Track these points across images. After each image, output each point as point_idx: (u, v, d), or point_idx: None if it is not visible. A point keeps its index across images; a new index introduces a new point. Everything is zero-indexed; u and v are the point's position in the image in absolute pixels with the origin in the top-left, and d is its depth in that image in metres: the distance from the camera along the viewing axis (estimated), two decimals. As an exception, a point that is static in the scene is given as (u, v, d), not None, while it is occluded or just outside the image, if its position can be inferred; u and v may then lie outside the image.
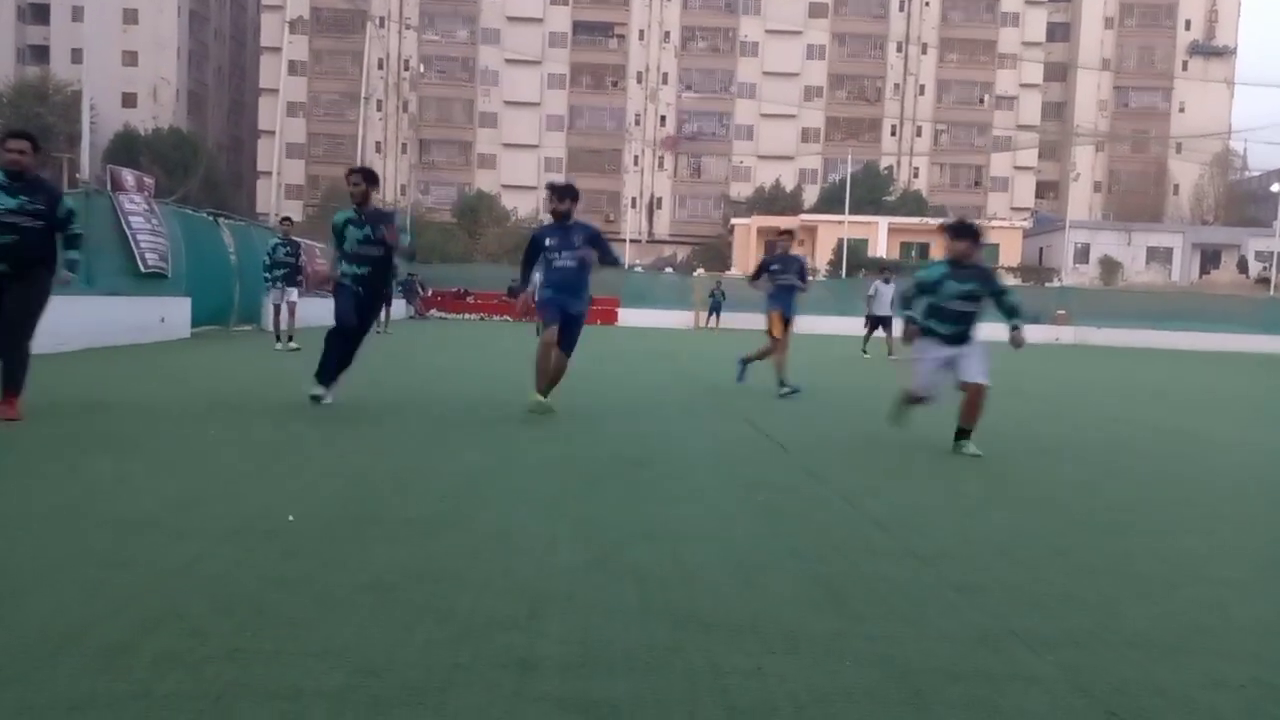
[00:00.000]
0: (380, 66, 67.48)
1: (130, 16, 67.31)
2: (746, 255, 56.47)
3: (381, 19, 67.56)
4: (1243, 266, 56.23)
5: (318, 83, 69.39)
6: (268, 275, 14.77)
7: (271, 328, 15.04)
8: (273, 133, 65.08)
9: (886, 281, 19.53)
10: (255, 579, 3.08)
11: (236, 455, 5.34)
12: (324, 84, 69.10)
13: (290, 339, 14.31)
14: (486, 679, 2.36)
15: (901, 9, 70.84)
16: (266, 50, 69.12)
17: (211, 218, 19.16)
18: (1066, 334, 36.22)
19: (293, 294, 14.68)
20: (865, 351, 19.60)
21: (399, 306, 28.66)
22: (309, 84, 69.32)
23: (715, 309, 34.95)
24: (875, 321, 19.52)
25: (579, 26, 70.84)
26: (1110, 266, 56.58)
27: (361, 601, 2.90)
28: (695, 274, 43.89)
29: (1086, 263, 57.52)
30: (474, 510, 4.17)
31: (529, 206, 64.52)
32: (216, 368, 11.18)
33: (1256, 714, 2.34)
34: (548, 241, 7.53)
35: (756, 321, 35.87)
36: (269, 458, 5.30)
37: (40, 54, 67.39)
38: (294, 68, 68.15)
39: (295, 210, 63.50)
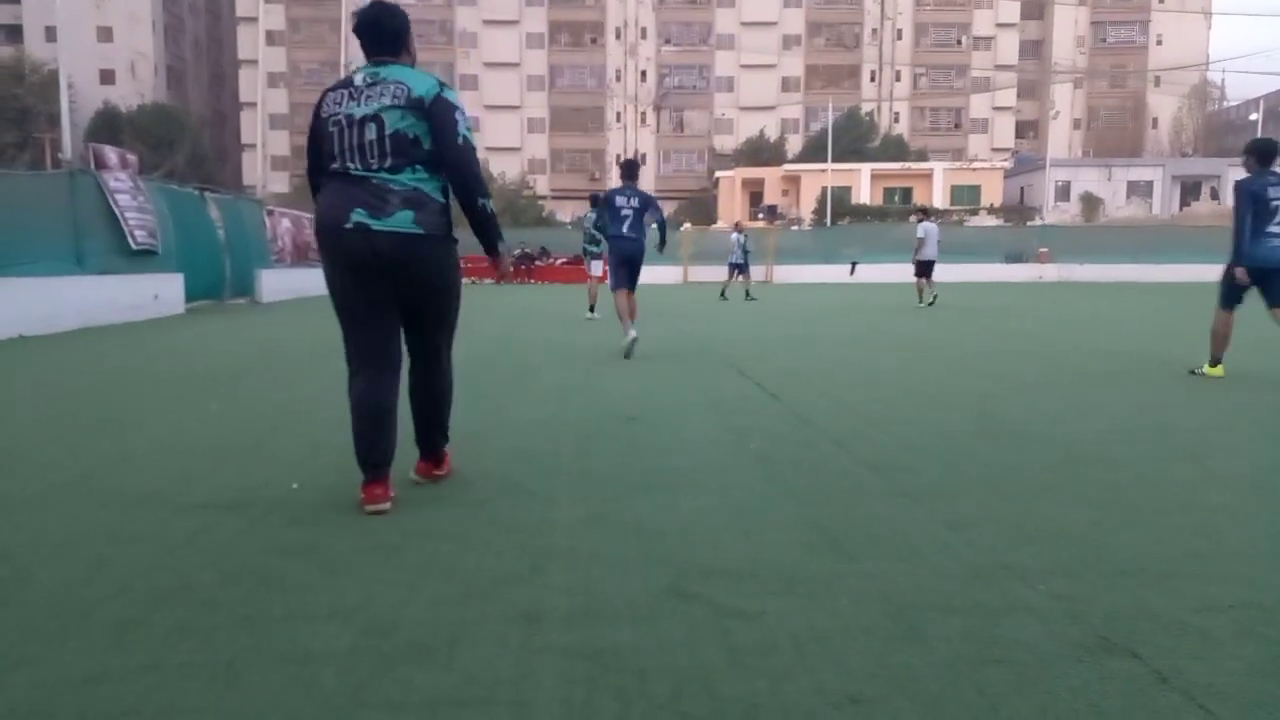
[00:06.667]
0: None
1: (102, -8, 66.22)
2: (732, 207, 56.28)
3: (354, -17, 66.57)
4: (1214, 196, 56.31)
5: (297, 52, 68.53)
6: (586, 247, 15.51)
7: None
8: (255, 104, 64.33)
9: (922, 221, 18.58)
10: (262, 548, 3.12)
11: (237, 427, 5.37)
12: (303, 53, 68.24)
13: (592, 309, 15.28)
14: (493, 633, 2.41)
15: (878, -48, 70.08)
16: (243, 20, 68.11)
17: (198, 192, 19.03)
18: (1049, 272, 36.33)
19: (596, 267, 15.29)
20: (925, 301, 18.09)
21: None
22: (288, 53, 68.47)
23: (743, 268, 23.60)
24: (923, 267, 18.15)
25: (555, -17, 69.92)
26: (1091, 203, 56.56)
27: (367, 564, 2.95)
28: (682, 229, 43.71)
29: (1068, 200, 57.49)
30: (470, 471, 4.21)
31: (515, 169, 64.09)
32: (213, 342, 11.16)
33: (1247, 635, 2.39)
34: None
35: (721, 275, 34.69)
36: (269, 428, 5.33)
37: (13, 34, 66.14)
38: (272, 37, 67.25)
39: (282, 181, 63.13)
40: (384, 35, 3.59)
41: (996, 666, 2.21)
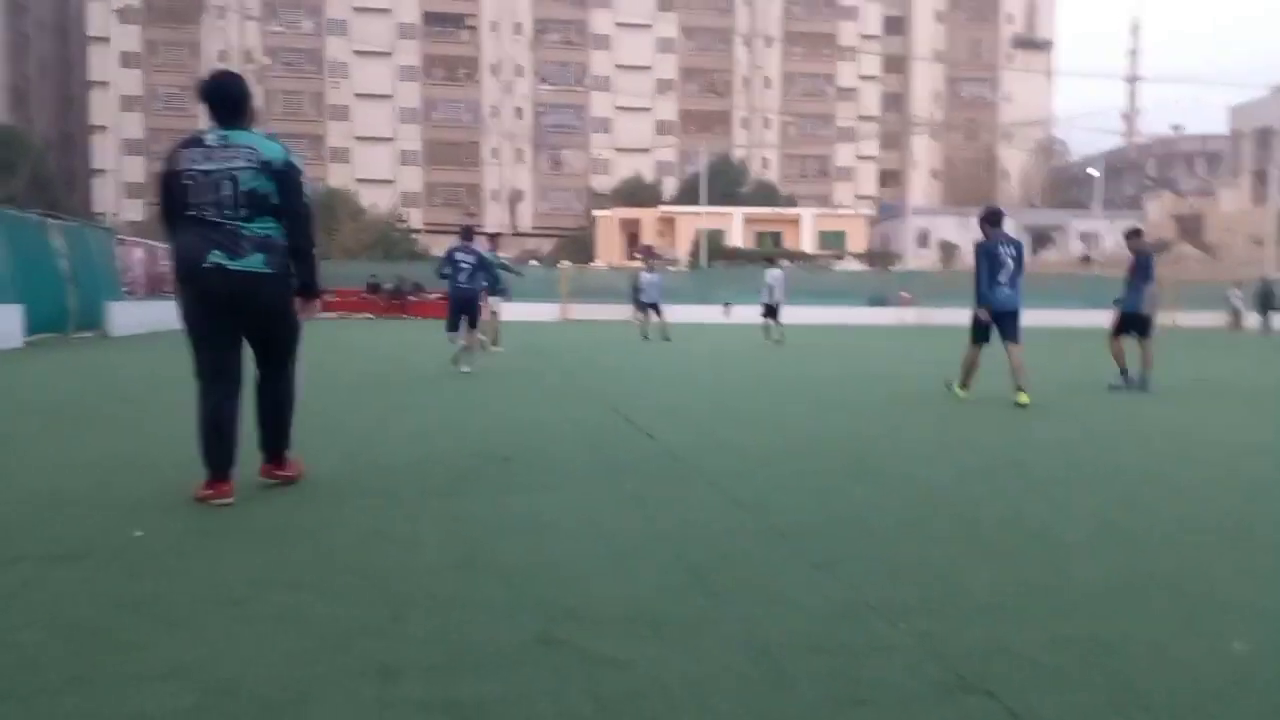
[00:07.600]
0: (221, 59, 64.64)
1: (-62, 6, 62.47)
2: (610, 246, 56.70)
3: (220, 8, 64.75)
4: (1051, 242, 60.38)
5: (155, 75, 66.04)
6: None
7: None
8: (106, 128, 61.54)
9: (769, 268, 20.82)
10: (97, 601, 2.90)
11: (76, 470, 5.03)
12: (162, 77, 65.81)
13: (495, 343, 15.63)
14: (346, 688, 2.29)
15: (746, 2, 72.47)
16: (94, 40, 65.29)
17: (39, 218, 17.99)
18: (910, 315, 37.79)
19: (494, 302, 15.13)
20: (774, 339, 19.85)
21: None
22: (145, 77, 65.92)
23: (656, 307, 22.11)
24: (770, 310, 20.22)
25: (429, 17, 69.64)
26: (949, 250, 59.37)
27: (212, 617, 2.77)
28: (560, 265, 43.77)
29: (927, 247, 60.19)
30: (331, 514, 4.04)
31: (387, 201, 63.08)
32: (53, 378, 10.51)
33: (1093, 668, 2.47)
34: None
35: (617, 312, 34.69)
36: (111, 472, 5.00)
37: None
38: (127, 59, 64.70)
39: (137, 209, 60.43)
40: (229, 102, 4.26)
41: (860, 708, 2.22)
